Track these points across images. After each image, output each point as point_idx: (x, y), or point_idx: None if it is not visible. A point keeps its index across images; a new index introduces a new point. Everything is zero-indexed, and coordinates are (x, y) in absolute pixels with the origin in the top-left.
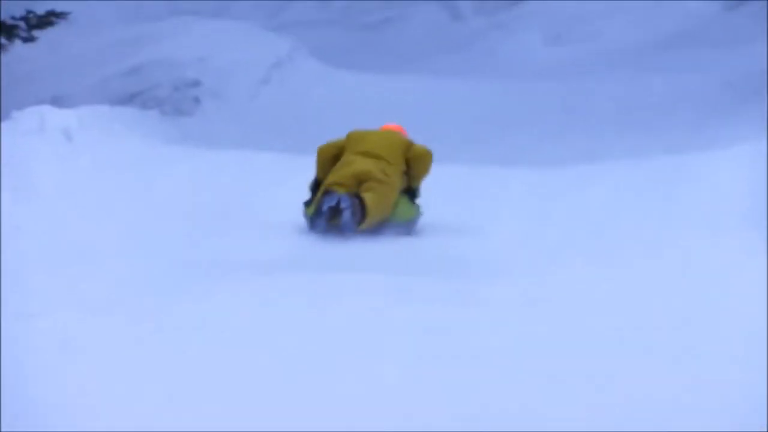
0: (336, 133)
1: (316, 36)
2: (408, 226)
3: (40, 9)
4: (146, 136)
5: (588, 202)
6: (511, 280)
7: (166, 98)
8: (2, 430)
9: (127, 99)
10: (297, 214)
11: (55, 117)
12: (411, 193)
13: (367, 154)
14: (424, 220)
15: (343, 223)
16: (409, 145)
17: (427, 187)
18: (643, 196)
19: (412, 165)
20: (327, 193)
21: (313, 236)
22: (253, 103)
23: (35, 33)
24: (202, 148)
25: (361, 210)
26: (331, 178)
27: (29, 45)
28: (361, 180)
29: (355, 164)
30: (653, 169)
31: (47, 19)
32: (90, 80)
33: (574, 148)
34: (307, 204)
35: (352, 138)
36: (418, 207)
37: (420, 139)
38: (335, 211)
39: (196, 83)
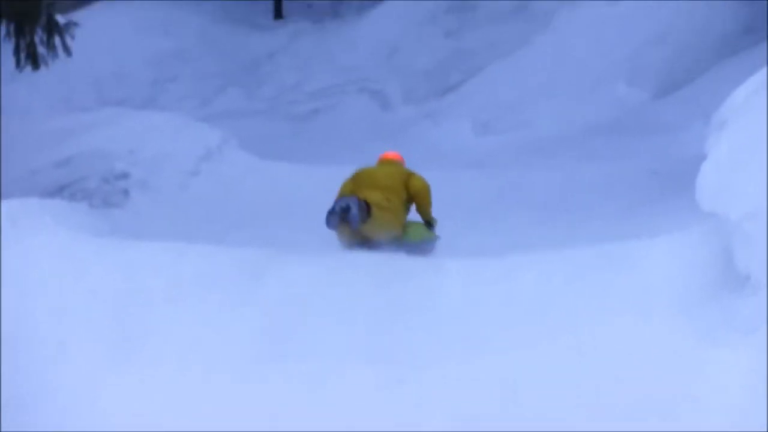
0: (267, 224)
1: (245, 127)
2: (422, 245)
3: None
4: (75, 229)
5: (517, 291)
6: (440, 366)
7: (95, 190)
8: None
9: (56, 191)
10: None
11: None
12: (427, 224)
13: (373, 186)
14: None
15: (350, 217)
16: (408, 175)
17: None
18: (572, 285)
19: (415, 200)
20: (340, 198)
21: None
22: (183, 194)
23: None
24: (131, 240)
25: (366, 210)
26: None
27: None
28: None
29: (362, 193)
30: (582, 257)
31: None
32: (18, 172)
33: (504, 237)
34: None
35: (360, 176)
36: (432, 231)
37: None
38: (345, 210)
39: (125, 175)
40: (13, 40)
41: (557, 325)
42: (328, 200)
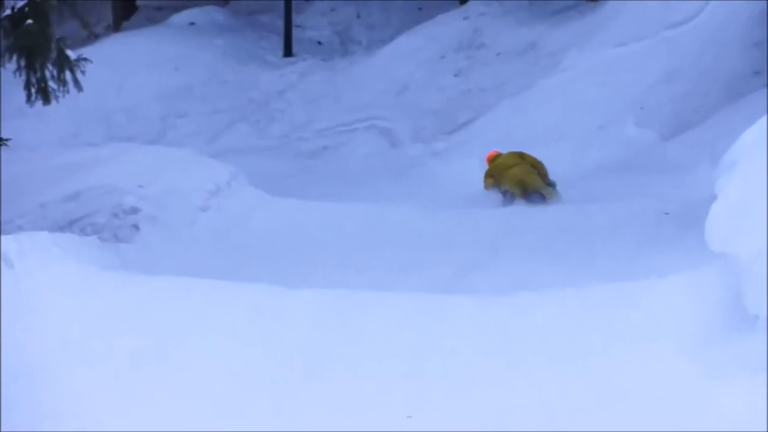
0: (276, 260)
1: (254, 163)
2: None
3: None
4: (86, 263)
5: (529, 329)
6: (451, 401)
7: (104, 225)
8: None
9: (66, 225)
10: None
11: None
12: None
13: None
14: None
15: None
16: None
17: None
18: (582, 323)
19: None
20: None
21: None
22: (192, 229)
23: None
24: (141, 274)
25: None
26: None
27: None
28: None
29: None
30: (591, 296)
31: None
32: (28, 206)
33: (512, 276)
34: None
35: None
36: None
37: (358, 266)
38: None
39: (134, 210)
40: (23, 74)
41: (567, 361)
42: (336, 236)
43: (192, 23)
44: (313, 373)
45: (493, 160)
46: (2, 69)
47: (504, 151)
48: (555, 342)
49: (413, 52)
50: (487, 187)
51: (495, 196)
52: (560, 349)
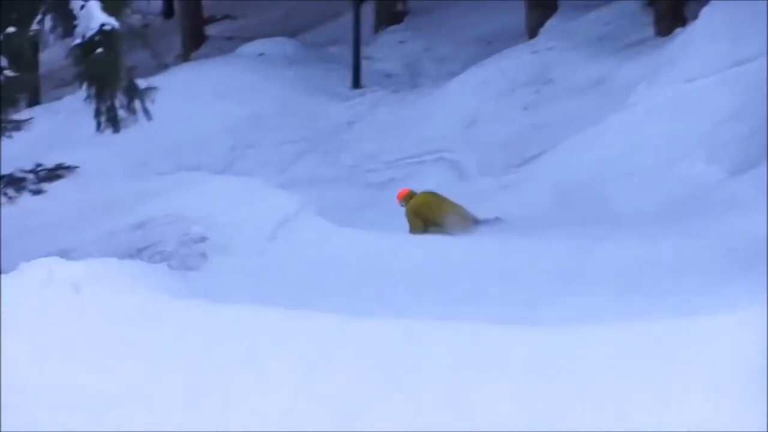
0: (344, 291)
1: (322, 194)
2: None
3: (49, 162)
4: (154, 290)
5: (588, 364)
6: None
7: (172, 253)
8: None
9: (134, 253)
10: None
11: (63, 269)
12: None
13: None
14: None
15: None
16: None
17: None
18: (645, 359)
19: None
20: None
21: None
22: (260, 259)
23: (43, 186)
24: (209, 302)
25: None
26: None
27: (37, 197)
28: None
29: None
30: (655, 332)
31: (56, 173)
32: (97, 233)
33: (576, 309)
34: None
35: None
36: None
37: (427, 297)
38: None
39: (203, 238)
40: (93, 102)
41: (628, 399)
42: (404, 267)
43: (261, 54)
44: (382, 402)
45: (408, 197)
46: (73, 97)
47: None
48: (616, 378)
49: (481, 85)
50: (414, 228)
51: (560, 231)
52: (621, 386)
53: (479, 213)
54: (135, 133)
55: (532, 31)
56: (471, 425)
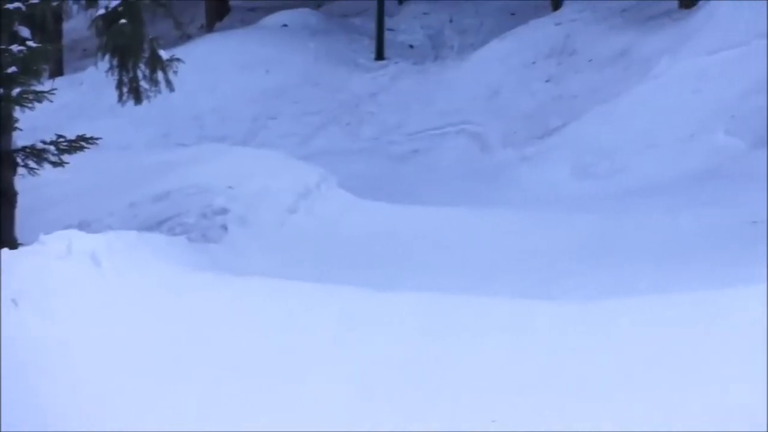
0: (365, 263)
1: (344, 166)
2: None
3: (71, 133)
4: (174, 263)
5: (614, 336)
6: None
7: (193, 225)
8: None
9: (155, 225)
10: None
11: (83, 241)
12: None
13: None
14: None
15: None
16: None
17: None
18: (670, 331)
19: None
20: None
21: None
22: (281, 231)
23: (65, 157)
24: (230, 275)
25: None
26: None
27: (58, 169)
28: None
29: None
30: (681, 304)
31: (77, 144)
32: (117, 205)
33: (601, 282)
34: None
35: None
36: None
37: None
38: None
39: (224, 211)
40: (116, 74)
41: (653, 371)
42: (425, 240)
43: (285, 25)
44: (405, 375)
45: None
46: (95, 68)
47: None
48: (640, 350)
49: (505, 57)
50: None
51: (582, 204)
52: (646, 358)
53: (507, 187)
54: (158, 105)
55: (556, 3)
56: (498, 396)
